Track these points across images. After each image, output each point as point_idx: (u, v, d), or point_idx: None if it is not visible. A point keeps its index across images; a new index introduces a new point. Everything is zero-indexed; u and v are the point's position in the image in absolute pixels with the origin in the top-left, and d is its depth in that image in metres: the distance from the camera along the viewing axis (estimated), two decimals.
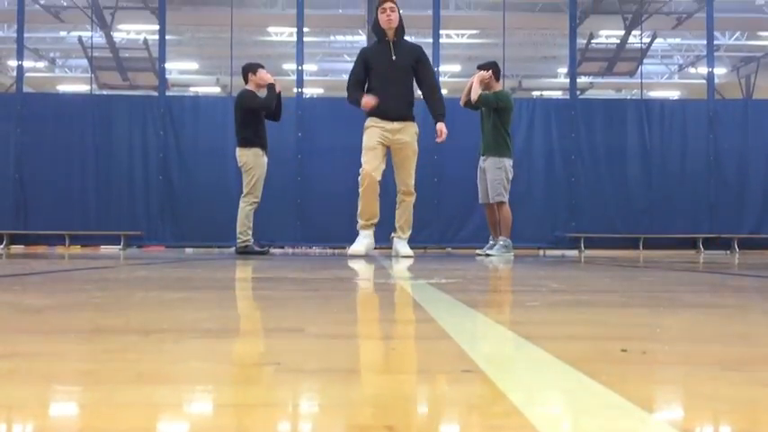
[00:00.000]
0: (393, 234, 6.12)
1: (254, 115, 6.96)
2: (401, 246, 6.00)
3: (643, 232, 9.44)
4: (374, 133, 5.83)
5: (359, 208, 5.86)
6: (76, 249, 9.20)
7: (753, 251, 9.29)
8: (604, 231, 9.44)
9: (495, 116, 6.91)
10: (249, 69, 7.16)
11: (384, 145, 5.87)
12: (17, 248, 9.18)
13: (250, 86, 7.08)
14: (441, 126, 5.89)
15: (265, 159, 7.00)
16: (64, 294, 2.05)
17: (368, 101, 5.77)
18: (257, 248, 6.98)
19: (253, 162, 6.92)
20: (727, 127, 9.66)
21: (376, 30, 6.06)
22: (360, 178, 5.82)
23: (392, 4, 5.91)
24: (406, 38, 6.19)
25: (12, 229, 9.25)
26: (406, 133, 5.87)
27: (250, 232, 6.95)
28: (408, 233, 6.12)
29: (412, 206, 6.09)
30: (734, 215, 9.54)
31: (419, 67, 5.96)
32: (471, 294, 2.17)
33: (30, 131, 9.44)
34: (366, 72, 5.98)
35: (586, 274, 3.56)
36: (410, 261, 5.08)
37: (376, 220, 5.88)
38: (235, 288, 2.53)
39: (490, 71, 6.90)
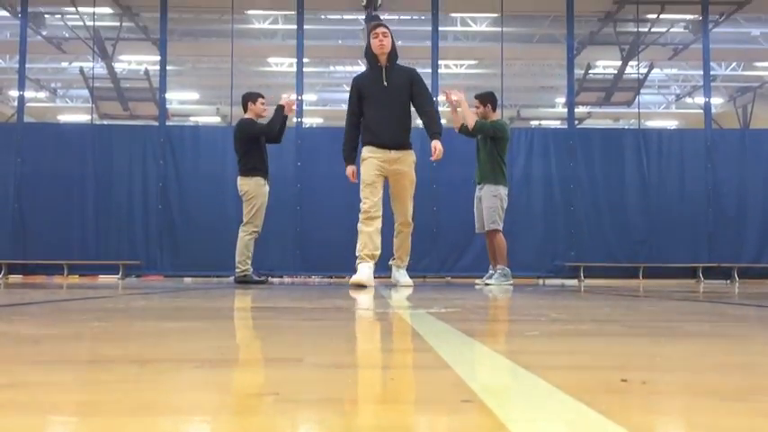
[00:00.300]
0: (391, 261, 6.06)
1: (255, 143, 6.94)
2: (400, 275, 5.96)
3: (642, 261, 9.43)
4: (371, 166, 5.69)
5: (359, 242, 5.67)
6: (75, 279, 9.18)
7: (753, 280, 9.28)
8: (604, 260, 9.43)
9: (492, 145, 6.94)
10: (249, 98, 7.16)
11: (383, 176, 5.76)
12: (15, 278, 9.15)
13: (249, 115, 7.08)
14: (435, 143, 5.68)
15: (267, 188, 7.00)
16: (62, 324, 2.05)
17: (351, 174, 5.77)
18: (256, 278, 6.93)
19: (254, 191, 6.90)
20: (724, 156, 9.71)
21: (368, 55, 5.93)
22: (360, 215, 5.68)
23: (385, 30, 5.82)
24: (400, 62, 6.03)
25: (10, 258, 9.24)
26: (404, 163, 5.75)
27: (249, 262, 6.91)
28: (407, 261, 6.07)
29: (410, 236, 6.01)
30: (733, 244, 9.54)
31: (414, 88, 5.79)
32: (471, 324, 2.17)
33: (30, 161, 9.47)
34: (360, 102, 5.83)
35: (586, 304, 3.55)
36: (409, 290, 5.01)
37: (377, 253, 5.69)
38: (233, 318, 2.52)
39: (460, 95, 6.92)
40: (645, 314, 2.67)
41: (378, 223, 5.65)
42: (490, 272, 7.04)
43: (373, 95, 5.75)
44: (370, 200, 5.63)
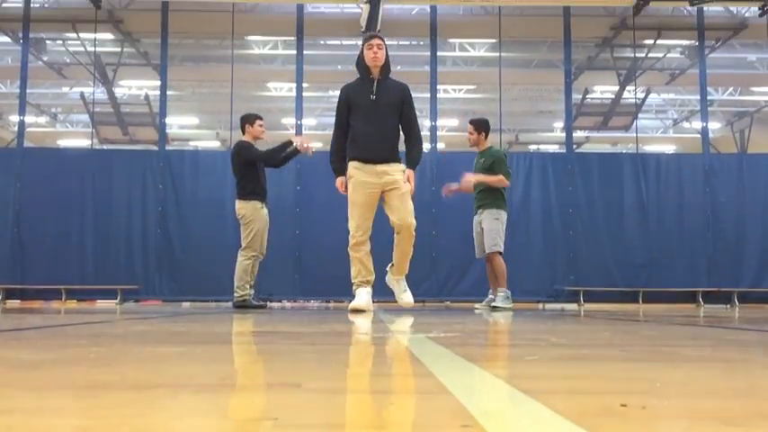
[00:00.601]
0: (389, 267, 5.62)
1: (253, 167, 6.90)
2: (400, 288, 5.57)
3: (642, 286, 9.42)
4: (359, 186, 5.39)
5: (352, 268, 5.44)
6: (72, 304, 9.15)
7: (753, 305, 9.26)
8: (603, 285, 9.42)
9: (491, 172, 6.99)
10: (246, 120, 7.13)
11: (373, 195, 5.41)
12: (13, 303, 9.12)
13: (247, 137, 7.03)
14: (410, 174, 5.45)
15: (265, 212, 6.97)
16: (60, 349, 2.04)
17: (340, 185, 5.50)
18: (255, 303, 6.89)
19: (251, 215, 6.85)
20: (722, 181, 9.74)
21: (360, 66, 5.67)
22: (350, 237, 5.38)
23: (380, 42, 5.58)
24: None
25: (8, 283, 9.21)
26: (395, 171, 5.42)
27: (248, 286, 6.86)
28: (406, 269, 5.58)
29: (412, 238, 5.45)
30: (733, 269, 9.54)
31: (404, 107, 5.53)
32: (470, 348, 2.16)
33: (29, 186, 9.49)
34: (348, 113, 5.57)
35: (586, 328, 3.54)
36: (410, 311, 4.89)
37: (372, 278, 5.49)
38: (232, 342, 2.51)
39: (471, 179, 7.05)
40: (644, 339, 2.66)
41: (366, 247, 5.42)
42: (490, 296, 7.01)
43: (362, 108, 5.51)
44: (361, 227, 5.36)
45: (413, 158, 5.56)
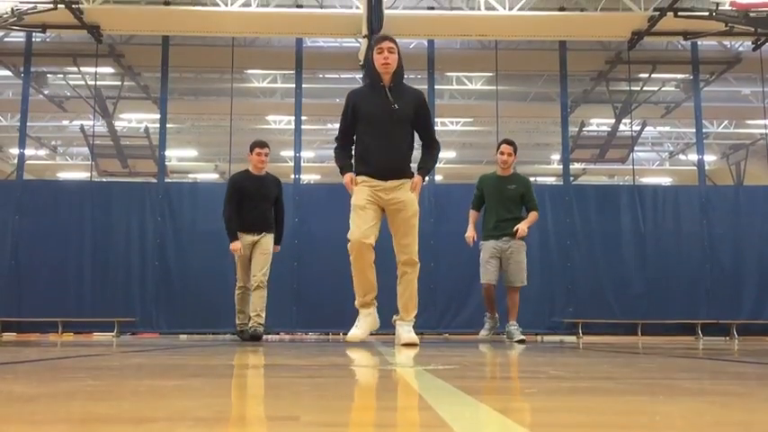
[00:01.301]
0: (395, 317, 5.17)
1: (237, 197, 6.99)
2: (404, 331, 5.03)
3: (641, 318, 9.39)
4: (363, 191, 4.99)
5: (354, 283, 5.05)
6: (69, 337, 9.09)
7: (752, 337, 9.23)
8: (602, 316, 9.39)
9: (523, 203, 6.93)
10: (250, 148, 7.18)
11: (377, 205, 5.01)
12: (9, 336, 9.06)
13: (250, 166, 7.12)
14: (418, 179, 5.07)
15: (248, 240, 6.95)
16: (56, 383, 2.03)
17: (350, 181, 5.03)
18: (242, 335, 7.03)
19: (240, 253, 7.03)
20: (719, 213, 9.78)
21: (369, 71, 5.28)
22: (348, 246, 4.92)
23: (391, 45, 5.06)
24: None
25: (5, 315, 9.17)
26: (403, 192, 5.00)
27: (241, 317, 7.05)
28: (413, 314, 5.13)
29: (416, 280, 5.11)
30: (731, 301, 9.53)
31: (419, 116, 5.11)
32: (469, 381, 2.15)
33: (28, 218, 9.50)
34: (354, 121, 5.11)
35: (585, 361, 3.52)
36: (413, 349, 4.47)
37: (374, 294, 5.08)
38: (229, 375, 2.50)
39: (524, 228, 6.86)
40: (644, 371, 2.65)
41: (369, 254, 4.92)
42: (511, 327, 6.93)
43: (371, 119, 5.04)
44: (360, 227, 4.90)
45: (424, 164, 5.18)
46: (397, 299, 5.13)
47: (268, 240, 7.05)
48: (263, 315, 6.96)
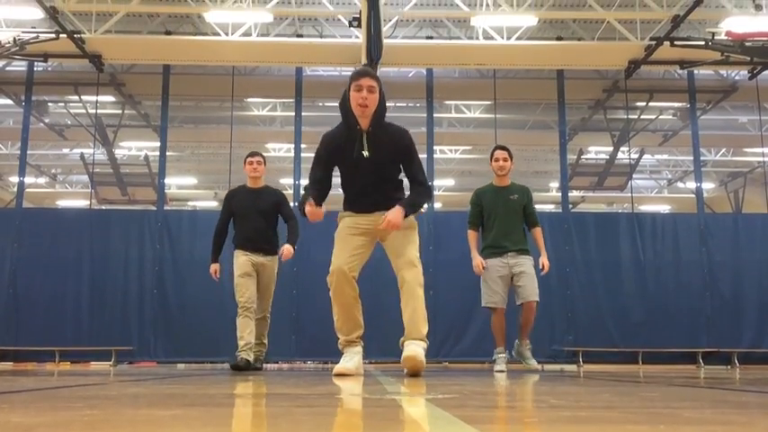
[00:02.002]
0: (402, 339, 4.51)
1: (234, 214, 6.72)
2: (410, 350, 4.33)
3: (641, 346, 9.35)
4: (347, 221, 4.63)
5: (336, 321, 4.58)
6: (66, 366, 9.03)
7: (753, 366, 9.18)
8: (602, 345, 9.36)
9: (524, 214, 6.41)
10: (246, 157, 6.90)
11: (364, 236, 4.57)
12: (5, 365, 9.00)
13: (247, 180, 6.84)
14: (397, 209, 4.35)
15: (243, 259, 6.55)
16: (53, 412, 2.01)
17: (312, 212, 4.35)
18: (240, 363, 6.36)
19: (235, 264, 6.64)
20: (718, 240, 9.80)
21: (345, 110, 4.48)
22: (327, 278, 4.50)
23: (372, 83, 4.40)
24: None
25: (1, 344, 9.13)
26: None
27: (241, 343, 6.41)
28: (424, 331, 4.43)
29: (419, 290, 4.42)
30: (732, 329, 9.50)
31: (399, 162, 4.54)
32: (469, 410, 2.13)
33: (27, 246, 9.50)
34: (329, 167, 4.62)
35: (586, 390, 3.50)
36: (415, 378, 4.07)
37: (361, 332, 4.62)
38: (227, 404, 2.48)
39: (545, 262, 6.42)
40: (645, 400, 2.63)
41: (351, 287, 4.47)
42: (500, 355, 6.35)
43: (348, 165, 4.50)
44: (340, 257, 4.47)
45: (409, 202, 4.47)
46: (402, 315, 4.46)
47: (273, 266, 6.73)
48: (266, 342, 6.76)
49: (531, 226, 6.49)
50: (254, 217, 6.64)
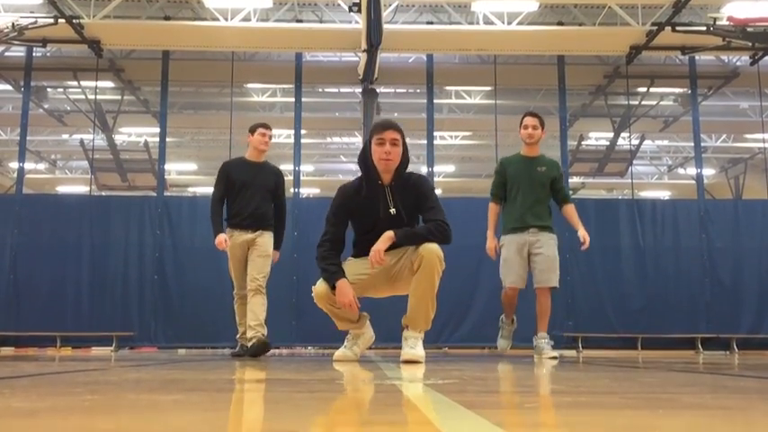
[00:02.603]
0: (404, 320, 4.40)
1: (231, 188, 6.14)
2: (407, 345, 4.30)
3: (641, 332, 9.38)
4: (353, 269, 4.42)
5: (333, 320, 4.63)
6: (67, 351, 9.07)
7: (752, 351, 9.21)
8: (602, 330, 9.38)
9: (549, 188, 5.94)
10: (249, 131, 6.41)
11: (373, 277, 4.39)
12: (7, 350, 9.03)
13: (248, 152, 6.34)
14: (388, 234, 4.15)
15: (239, 240, 6.06)
16: (54, 397, 2.02)
17: (351, 302, 4.21)
18: (241, 348, 6.18)
19: (229, 245, 6.09)
20: (718, 226, 9.79)
21: (365, 165, 4.30)
22: (314, 297, 4.55)
23: (395, 135, 4.19)
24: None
25: (2, 330, 9.15)
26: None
27: (241, 329, 6.21)
28: (422, 326, 4.32)
29: (439, 264, 4.15)
30: (731, 314, 9.52)
31: (423, 206, 4.33)
32: (469, 395, 2.14)
33: (27, 232, 9.50)
34: (347, 222, 4.44)
35: (585, 375, 3.51)
36: (415, 366, 3.96)
37: (360, 319, 4.64)
38: (228, 390, 2.49)
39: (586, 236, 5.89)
40: (644, 386, 2.64)
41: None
42: (541, 341, 5.89)
43: (370, 223, 4.30)
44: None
45: (418, 233, 4.23)
46: (410, 295, 4.30)
47: (266, 240, 6.15)
48: (265, 324, 6.09)
49: (562, 203, 6.01)
50: (254, 192, 6.12)
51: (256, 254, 6.11)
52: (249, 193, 6.11)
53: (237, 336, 6.35)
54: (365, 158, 4.32)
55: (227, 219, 6.21)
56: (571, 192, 11.83)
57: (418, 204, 4.30)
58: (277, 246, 6.30)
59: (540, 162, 5.97)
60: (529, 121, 5.98)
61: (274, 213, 6.26)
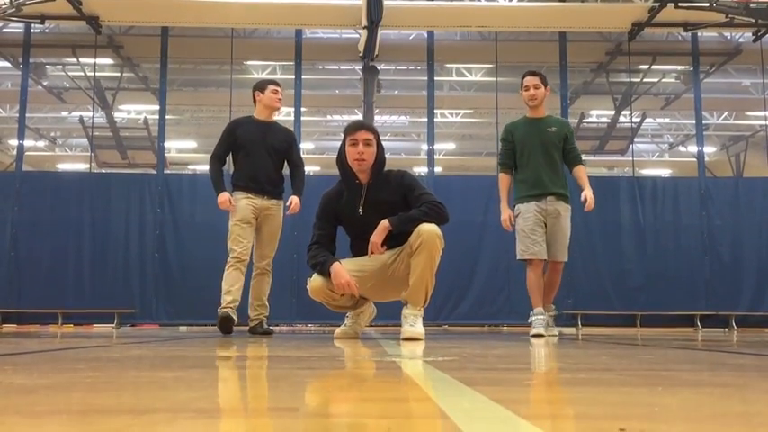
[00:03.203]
0: (404, 297, 4.39)
1: (240, 149, 5.72)
2: (407, 323, 4.30)
3: (640, 309, 9.41)
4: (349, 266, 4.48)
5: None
6: (69, 328, 9.11)
7: (750, 329, 9.25)
8: (601, 308, 9.40)
9: (564, 150, 5.55)
10: (256, 89, 5.93)
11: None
12: (9, 327, 9.08)
13: (256, 111, 5.91)
14: (384, 224, 4.20)
15: (245, 203, 5.64)
16: (56, 374, 2.03)
17: (348, 282, 4.25)
18: (223, 322, 5.51)
19: (234, 207, 5.68)
20: (719, 204, 9.78)
21: (342, 166, 4.41)
22: (310, 293, 4.58)
23: (368, 135, 4.29)
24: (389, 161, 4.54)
25: (4, 307, 9.18)
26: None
27: (227, 298, 5.55)
28: (421, 302, 4.35)
29: (439, 242, 4.19)
30: (730, 292, 9.54)
31: (406, 196, 4.34)
32: (468, 372, 2.15)
33: (27, 209, 9.49)
34: (336, 225, 4.54)
35: (584, 352, 3.53)
36: (416, 343, 3.95)
37: (359, 304, 4.67)
38: (229, 366, 2.50)
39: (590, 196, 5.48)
40: (642, 363, 2.66)
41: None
42: (539, 316, 5.53)
43: (353, 221, 4.43)
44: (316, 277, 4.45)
45: (402, 215, 4.26)
46: (411, 272, 4.29)
47: (279, 214, 5.81)
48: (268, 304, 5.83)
49: (573, 164, 5.61)
50: (262, 153, 5.69)
51: (269, 229, 5.76)
52: (258, 153, 5.68)
53: (224, 305, 5.57)
54: (341, 160, 4.40)
55: (233, 181, 5.78)
56: None
57: (405, 198, 4.31)
58: (299, 193, 5.87)
59: (549, 122, 5.60)
60: (529, 80, 5.60)
61: (293, 173, 5.88)
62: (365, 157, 4.28)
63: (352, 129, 4.34)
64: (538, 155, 5.47)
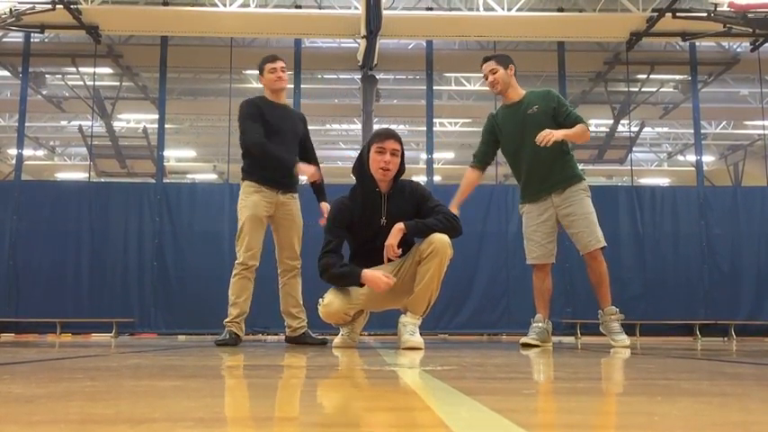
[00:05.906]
0: (405, 304, 4.37)
1: (264, 132, 5.04)
2: (407, 332, 4.25)
3: (639, 318, 9.39)
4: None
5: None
6: (67, 337, 9.09)
7: (750, 338, 9.25)
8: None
9: (554, 123, 4.75)
10: (258, 70, 5.27)
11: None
12: (7, 336, 9.06)
13: (266, 94, 5.28)
14: (399, 226, 4.17)
15: (258, 198, 5.01)
16: (54, 383, 2.02)
17: (382, 277, 4.13)
18: (227, 337, 5.03)
19: (242, 201, 5.07)
20: (717, 213, 9.80)
21: (361, 174, 4.30)
22: (320, 311, 4.52)
23: (396, 146, 4.19)
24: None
25: (2, 316, 9.16)
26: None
27: (234, 312, 5.03)
28: (422, 311, 4.31)
29: (449, 250, 4.23)
30: (729, 301, 9.54)
31: (421, 208, 4.32)
32: (467, 382, 2.15)
33: (26, 218, 9.50)
34: (346, 233, 4.41)
35: (583, 362, 3.53)
36: (415, 352, 3.91)
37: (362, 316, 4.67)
38: (227, 376, 2.50)
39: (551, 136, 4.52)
40: (642, 372, 2.65)
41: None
42: (536, 324, 5.14)
43: (369, 233, 4.32)
44: (334, 295, 4.43)
45: (419, 221, 4.24)
46: (417, 278, 4.26)
47: (298, 210, 5.37)
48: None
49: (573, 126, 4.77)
50: (286, 140, 5.07)
51: (293, 226, 5.26)
52: (281, 139, 5.03)
53: (229, 320, 5.07)
54: (361, 166, 4.29)
55: (247, 170, 5.10)
56: None
57: (419, 209, 4.29)
58: (324, 197, 5.37)
59: (528, 103, 4.87)
60: (485, 68, 4.92)
61: (309, 160, 5.34)
62: (391, 167, 4.20)
63: (382, 137, 4.23)
64: (525, 148, 4.82)
